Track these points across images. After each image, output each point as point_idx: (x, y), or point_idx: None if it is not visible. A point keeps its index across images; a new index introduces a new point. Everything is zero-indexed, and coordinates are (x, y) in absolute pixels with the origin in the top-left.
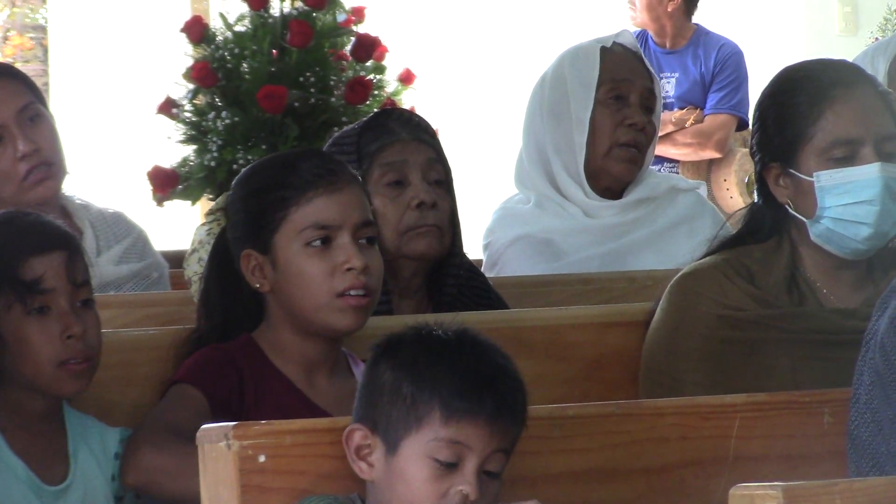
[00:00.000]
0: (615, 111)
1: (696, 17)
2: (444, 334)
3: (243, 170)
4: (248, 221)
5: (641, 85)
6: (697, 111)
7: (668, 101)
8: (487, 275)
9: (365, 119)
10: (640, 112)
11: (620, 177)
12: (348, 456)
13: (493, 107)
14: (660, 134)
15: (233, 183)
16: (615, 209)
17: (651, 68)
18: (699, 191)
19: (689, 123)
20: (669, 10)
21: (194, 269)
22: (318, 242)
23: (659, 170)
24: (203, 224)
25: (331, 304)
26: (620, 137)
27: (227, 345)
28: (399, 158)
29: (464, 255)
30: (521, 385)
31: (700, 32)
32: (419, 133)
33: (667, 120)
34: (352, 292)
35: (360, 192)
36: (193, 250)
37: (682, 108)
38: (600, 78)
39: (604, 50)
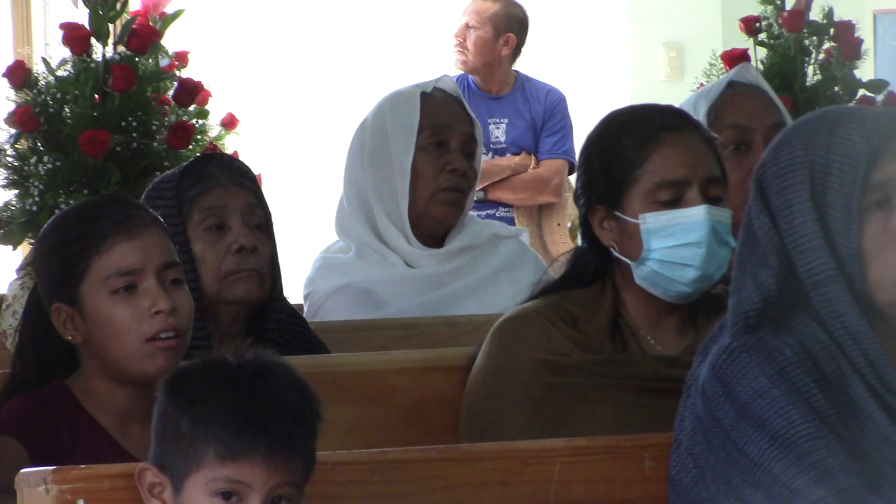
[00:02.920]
0: (436, 157)
1: (525, 61)
2: (231, 368)
3: (45, 224)
4: (54, 275)
5: (462, 130)
6: (532, 157)
7: (500, 146)
8: (309, 322)
9: (185, 164)
10: (460, 157)
11: (444, 220)
12: (142, 495)
13: (316, 152)
14: (497, 179)
15: (37, 238)
16: (436, 258)
17: (472, 113)
18: (521, 237)
19: (531, 168)
20: (503, 54)
21: (9, 323)
22: (122, 289)
23: (494, 214)
24: (16, 278)
25: (141, 350)
26: (443, 183)
27: (40, 392)
28: (219, 203)
29: (284, 300)
30: (301, 417)
31: (522, 78)
32: (239, 178)
33: (506, 165)
34: (162, 335)
35: (161, 234)
36: (7, 304)
37: (516, 153)
38: (421, 123)
39: (424, 95)
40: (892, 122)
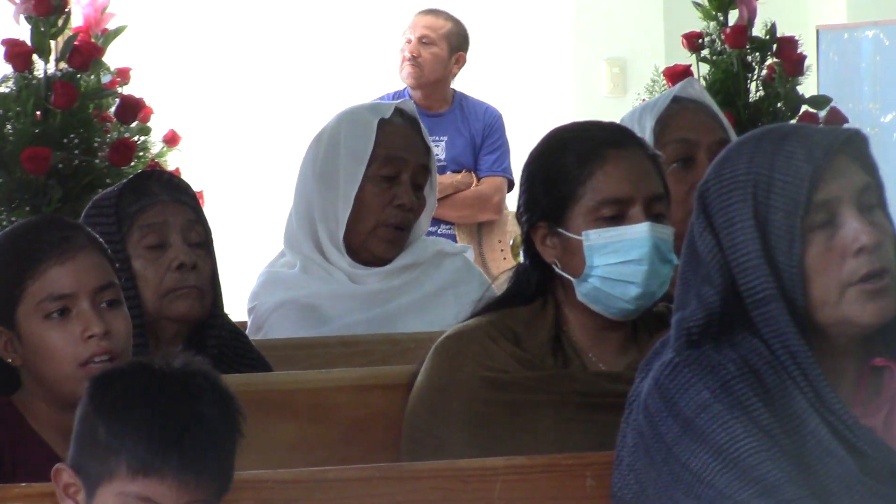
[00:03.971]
0: (385, 189)
1: (468, 78)
2: (155, 377)
3: None
4: None
5: (415, 162)
6: (472, 174)
7: (439, 164)
8: (252, 338)
9: (124, 181)
10: (409, 192)
11: (381, 256)
12: (58, 494)
13: (260, 168)
14: (439, 197)
15: None
16: (381, 275)
17: (428, 140)
18: (466, 255)
19: (473, 186)
20: (453, 72)
21: None
22: (56, 313)
23: (436, 231)
24: None
25: (75, 374)
26: (388, 218)
27: None
28: (159, 220)
29: (225, 317)
30: (217, 436)
31: (459, 96)
32: (179, 194)
33: (448, 183)
34: (96, 359)
35: (96, 256)
36: None
37: (456, 171)
38: (374, 153)
39: (382, 122)
40: (836, 141)
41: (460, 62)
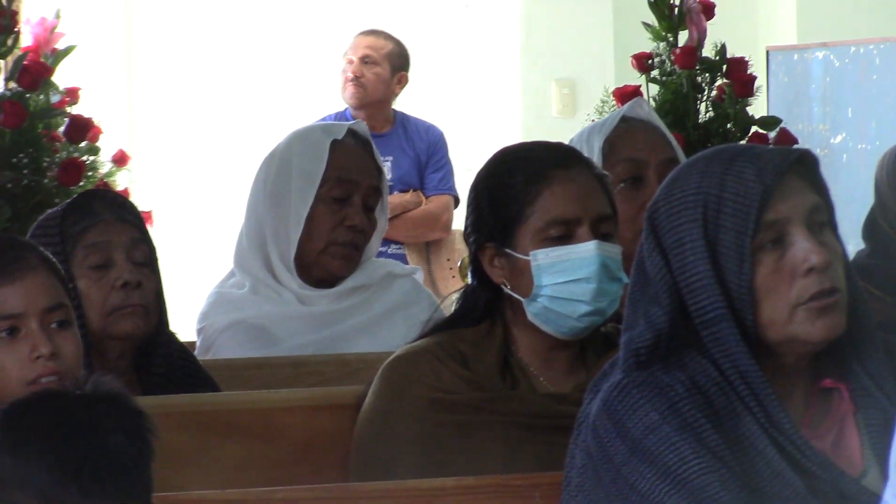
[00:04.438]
0: (336, 210)
1: (417, 97)
2: (58, 408)
3: None
4: None
5: (367, 184)
6: (420, 193)
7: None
8: (201, 359)
9: (69, 201)
10: (361, 213)
11: (336, 273)
12: None
13: (209, 188)
14: (389, 216)
15: None
16: (330, 297)
17: (379, 161)
18: (416, 276)
19: (424, 205)
20: (396, 92)
21: None
22: (5, 333)
23: (386, 251)
24: None
25: (23, 394)
26: (338, 237)
27: None
28: (103, 239)
29: (173, 336)
30: (119, 464)
31: (401, 116)
32: (123, 213)
33: (398, 203)
34: (43, 380)
35: (46, 276)
36: None
37: (403, 191)
38: (325, 174)
39: (334, 143)
40: (786, 161)
41: (402, 82)
